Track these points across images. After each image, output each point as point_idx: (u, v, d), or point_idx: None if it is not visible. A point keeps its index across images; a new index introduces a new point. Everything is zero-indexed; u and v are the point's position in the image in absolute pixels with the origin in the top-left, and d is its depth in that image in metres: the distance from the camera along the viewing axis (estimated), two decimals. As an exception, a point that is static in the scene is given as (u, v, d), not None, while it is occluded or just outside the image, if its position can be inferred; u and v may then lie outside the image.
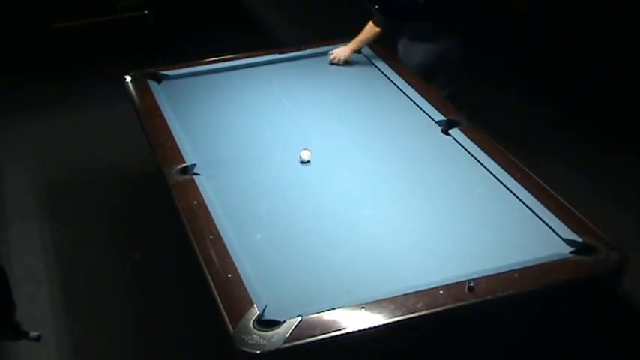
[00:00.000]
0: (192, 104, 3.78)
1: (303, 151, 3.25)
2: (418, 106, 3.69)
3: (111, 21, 5.89)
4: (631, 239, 3.66)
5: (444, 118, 3.54)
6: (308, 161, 3.24)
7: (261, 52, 4.27)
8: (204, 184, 3.08)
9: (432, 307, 2.43)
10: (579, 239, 2.73)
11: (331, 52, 4.19)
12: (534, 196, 2.97)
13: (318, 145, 3.41)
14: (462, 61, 4.21)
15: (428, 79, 3.97)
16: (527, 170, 3.14)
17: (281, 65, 4.18)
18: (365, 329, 2.37)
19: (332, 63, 4.15)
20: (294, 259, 2.72)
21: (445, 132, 3.47)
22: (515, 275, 2.56)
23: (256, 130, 3.56)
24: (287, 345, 2.29)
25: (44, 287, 3.73)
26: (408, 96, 3.78)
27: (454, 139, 3.42)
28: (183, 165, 3.17)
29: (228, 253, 2.66)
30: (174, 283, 3.69)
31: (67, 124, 5.17)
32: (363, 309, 2.42)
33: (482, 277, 2.54)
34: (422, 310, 2.42)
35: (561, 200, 2.95)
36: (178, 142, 3.34)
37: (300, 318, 2.37)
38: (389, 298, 2.45)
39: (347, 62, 4.16)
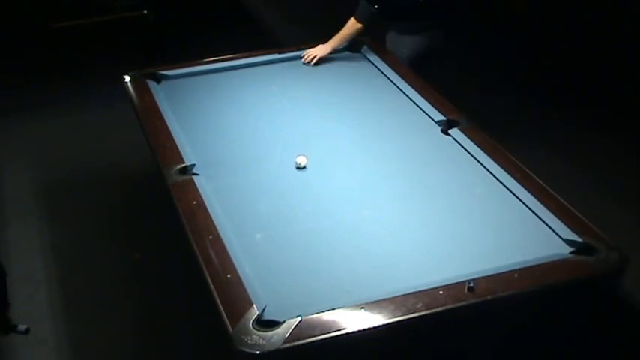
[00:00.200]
0: (191, 104, 3.77)
1: (299, 156, 3.22)
2: (418, 106, 3.68)
3: (110, 21, 5.89)
4: (631, 239, 3.65)
5: (443, 118, 3.54)
6: (304, 167, 3.21)
7: (260, 52, 4.27)
8: (203, 184, 3.07)
9: (432, 308, 2.43)
10: (579, 239, 2.72)
11: (306, 50, 4.16)
12: (534, 196, 2.97)
13: (318, 146, 3.41)
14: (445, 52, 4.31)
15: (417, 70, 4.01)
16: (527, 170, 3.14)
17: (280, 65, 4.17)
18: (365, 329, 2.37)
19: (306, 62, 4.13)
20: (294, 259, 2.72)
21: (445, 132, 3.47)
22: (515, 275, 2.56)
23: (256, 130, 3.56)
24: (286, 345, 2.28)
25: (43, 287, 3.72)
26: (407, 96, 3.78)
27: (454, 139, 3.41)
28: (183, 165, 3.17)
29: (227, 254, 2.66)
30: (173, 284, 3.69)
31: (66, 124, 5.17)
32: (362, 309, 2.41)
33: (482, 277, 2.54)
34: (421, 311, 2.41)
35: (561, 200, 2.95)
36: (177, 142, 3.33)
37: (299, 318, 2.36)
38: (388, 299, 2.45)
39: (347, 62, 4.15)
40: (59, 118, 5.24)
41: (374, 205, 3.02)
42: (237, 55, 4.21)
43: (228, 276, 2.55)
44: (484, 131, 3.45)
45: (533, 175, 3.11)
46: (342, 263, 2.70)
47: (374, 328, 2.37)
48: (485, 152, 3.26)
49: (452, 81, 5.00)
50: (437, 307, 2.43)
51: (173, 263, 3.75)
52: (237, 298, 2.46)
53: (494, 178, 3.13)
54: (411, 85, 3.83)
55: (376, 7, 4.08)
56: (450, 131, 3.46)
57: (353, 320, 2.39)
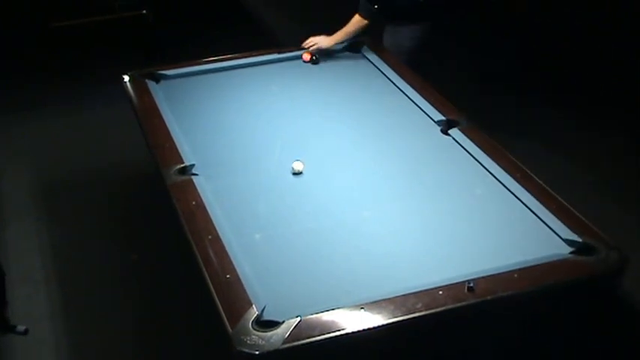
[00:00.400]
0: (190, 104, 3.77)
1: (296, 161, 3.18)
2: (418, 106, 3.68)
3: (109, 20, 5.89)
4: (631, 239, 3.65)
5: (443, 118, 3.53)
6: (301, 172, 3.17)
7: (260, 51, 4.26)
8: (202, 184, 3.07)
9: (432, 308, 2.42)
10: (579, 239, 2.72)
11: (310, 38, 4.17)
12: (534, 197, 2.97)
13: (317, 145, 3.40)
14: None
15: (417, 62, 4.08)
16: (527, 170, 3.13)
17: (280, 65, 4.17)
18: (364, 330, 2.36)
19: (305, 47, 4.14)
20: (293, 259, 2.72)
21: (445, 132, 3.46)
22: (515, 276, 2.55)
23: (255, 129, 3.55)
24: (286, 346, 2.28)
25: (42, 287, 3.72)
26: (407, 96, 3.78)
27: (454, 139, 3.41)
28: (182, 165, 3.16)
29: (226, 254, 2.65)
30: (173, 284, 3.68)
31: (66, 124, 5.16)
32: (362, 309, 2.41)
33: (482, 277, 2.53)
34: (421, 311, 2.41)
35: (561, 200, 2.94)
36: (177, 143, 3.33)
37: (299, 318, 2.36)
38: (388, 299, 2.44)
39: (346, 62, 4.15)
40: (59, 118, 5.23)
41: (373, 205, 3.02)
42: (236, 55, 4.21)
43: (228, 276, 2.54)
44: (484, 131, 3.44)
45: (533, 175, 3.10)
46: (342, 263, 2.69)
47: (374, 328, 2.37)
48: (485, 152, 3.26)
49: (452, 81, 5.01)
50: (437, 307, 2.43)
51: (173, 263, 3.74)
52: (237, 298, 2.45)
53: (494, 178, 3.13)
54: (410, 84, 3.83)
55: (376, 6, 4.08)
56: (449, 131, 3.45)
57: (353, 320, 2.38)
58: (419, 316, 2.40)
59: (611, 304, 3.30)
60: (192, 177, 3.11)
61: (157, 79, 3.96)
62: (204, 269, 2.59)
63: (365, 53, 4.23)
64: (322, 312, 2.40)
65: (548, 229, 2.82)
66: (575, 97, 5.40)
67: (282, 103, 3.78)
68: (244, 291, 2.48)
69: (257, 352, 2.26)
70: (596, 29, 5.96)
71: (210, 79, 4.01)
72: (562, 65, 5.79)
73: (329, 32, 4.22)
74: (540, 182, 3.06)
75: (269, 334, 2.31)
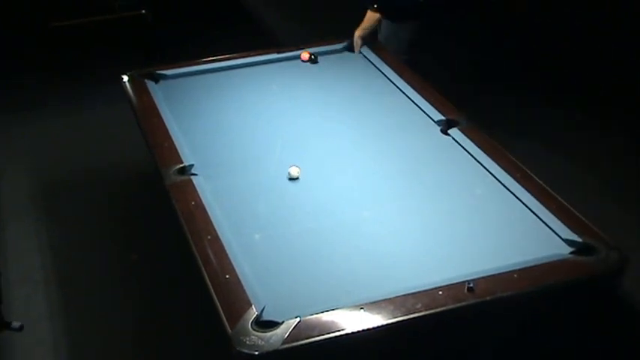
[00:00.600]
0: (190, 104, 3.76)
1: (292, 167, 3.14)
2: (417, 105, 3.68)
3: (109, 20, 5.89)
4: (631, 239, 3.65)
5: (443, 118, 3.53)
6: (297, 178, 3.13)
7: (259, 51, 4.26)
8: (202, 184, 3.06)
9: (431, 308, 2.42)
10: (579, 239, 2.71)
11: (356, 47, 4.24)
12: (534, 197, 2.96)
13: (317, 145, 3.40)
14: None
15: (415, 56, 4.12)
16: (527, 170, 3.13)
17: (280, 65, 4.16)
18: (364, 330, 2.36)
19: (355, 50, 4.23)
20: (293, 259, 2.71)
21: (444, 132, 3.46)
22: (515, 276, 2.55)
23: (255, 129, 3.55)
24: (285, 346, 2.27)
25: (41, 287, 3.72)
26: (407, 96, 3.77)
27: (453, 139, 3.41)
28: (181, 165, 3.16)
29: (226, 254, 2.65)
30: (173, 284, 3.68)
31: (66, 124, 5.16)
32: (361, 310, 2.41)
33: (482, 277, 2.53)
34: (421, 311, 2.41)
35: (561, 200, 2.94)
36: (176, 143, 3.32)
37: (298, 319, 2.35)
38: (388, 299, 2.44)
39: (346, 62, 4.15)
40: (59, 118, 5.23)
41: (373, 205, 3.01)
42: (236, 55, 4.20)
43: (227, 276, 2.54)
44: (484, 131, 3.44)
45: (533, 175, 3.10)
46: (342, 263, 2.69)
47: (373, 328, 2.36)
48: (485, 152, 3.26)
49: (452, 81, 5.00)
50: (436, 307, 2.42)
51: (172, 263, 3.74)
52: (236, 298, 2.45)
53: (494, 178, 3.12)
54: (410, 84, 3.83)
55: (375, 6, 4.08)
56: (449, 131, 3.45)
57: (352, 321, 2.38)
58: (419, 317, 2.39)
59: (611, 304, 3.30)
60: (192, 177, 3.10)
61: (156, 79, 3.95)
62: (203, 269, 2.58)
63: (365, 53, 4.22)
64: (322, 312, 2.39)
65: (548, 229, 2.81)
66: (575, 97, 5.40)
67: (282, 103, 3.78)
68: (244, 291, 2.47)
69: (256, 353, 2.25)
70: (596, 29, 5.95)
71: (210, 79, 4.00)
72: (562, 65, 5.78)
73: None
74: (540, 182, 3.06)
75: (268, 334, 2.30)
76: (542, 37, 6.19)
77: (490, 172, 3.15)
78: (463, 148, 3.33)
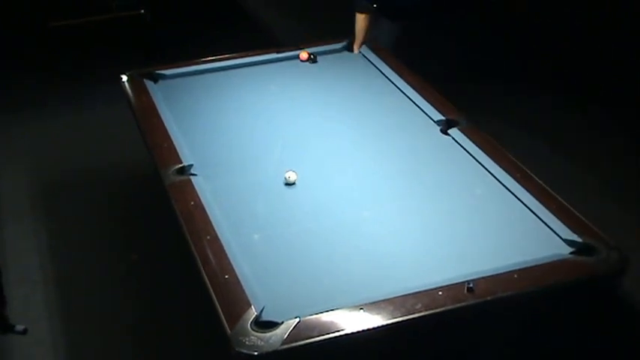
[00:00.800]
0: (189, 104, 3.76)
1: (289, 172, 3.10)
2: (417, 105, 3.67)
3: (107, 20, 5.89)
4: (631, 239, 3.64)
5: (443, 118, 3.52)
6: (293, 183, 3.10)
7: (259, 51, 4.26)
8: (201, 184, 3.06)
9: (431, 308, 2.41)
10: (579, 240, 2.71)
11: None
12: (534, 197, 2.96)
13: (317, 145, 3.39)
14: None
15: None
16: (527, 170, 3.12)
17: (279, 65, 4.16)
18: (363, 330, 2.35)
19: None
20: (293, 259, 2.70)
21: (444, 132, 3.45)
22: (515, 276, 2.54)
23: (254, 129, 3.55)
24: (285, 347, 2.27)
25: (40, 288, 3.71)
26: (407, 96, 3.77)
27: (453, 138, 3.40)
28: (180, 165, 3.15)
29: (225, 254, 2.64)
30: (173, 284, 3.68)
31: (66, 124, 5.16)
32: (361, 310, 2.40)
33: (482, 277, 2.52)
34: (421, 312, 2.40)
35: (561, 200, 2.94)
36: (175, 143, 3.32)
37: (298, 319, 2.35)
38: (387, 299, 2.43)
39: (346, 62, 4.15)
40: (59, 118, 5.23)
41: (373, 205, 3.01)
42: (235, 55, 4.20)
43: (226, 277, 2.53)
44: (483, 131, 3.44)
45: (533, 175, 3.10)
46: (341, 264, 2.68)
47: (373, 329, 2.36)
48: (485, 152, 3.25)
49: (451, 81, 5.00)
50: (436, 308, 2.42)
51: (172, 263, 3.74)
52: (235, 299, 2.45)
53: (494, 179, 3.12)
54: (410, 84, 3.82)
55: (375, 5, 4.07)
56: (449, 131, 3.44)
57: (352, 321, 2.37)
58: (418, 317, 2.39)
59: (611, 304, 3.30)
60: (191, 177, 3.10)
61: (156, 78, 3.95)
62: (202, 270, 2.58)
63: (364, 53, 4.22)
64: (321, 313, 2.38)
65: (548, 229, 2.81)
66: (575, 97, 5.39)
67: (281, 102, 3.77)
68: (243, 291, 2.47)
69: (256, 353, 2.25)
70: (596, 29, 5.95)
71: (209, 79, 4.00)
72: (562, 65, 5.78)
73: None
74: (540, 182, 3.05)
75: (268, 334, 2.30)
76: (542, 37, 6.19)
77: (490, 172, 3.15)
78: (463, 148, 3.33)
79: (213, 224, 2.79)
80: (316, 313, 2.38)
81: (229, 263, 2.59)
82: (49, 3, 5.87)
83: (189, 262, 2.69)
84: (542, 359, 2.88)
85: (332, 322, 2.36)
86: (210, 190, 3.04)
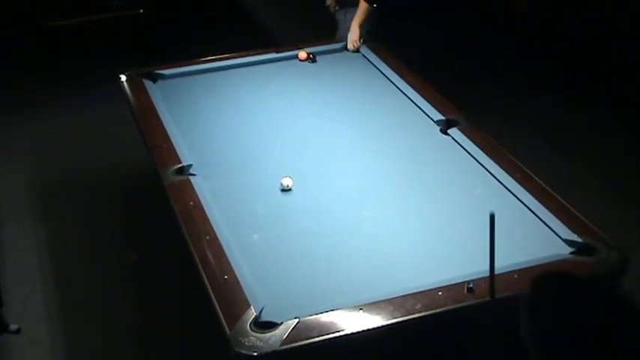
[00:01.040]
0: (188, 104, 3.75)
1: (285, 177, 3.08)
2: (417, 105, 3.67)
3: (107, 20, 5.88)
4: (631, 239, 3.64)
5: (442, 118, 3.52)
6: (290, 189, 3.07)
7: (258, 51, 4.26)
8: (200, 184, 3.05)
9: (431, 309, 2.41)
10: (579, 240, 2.71)
11: (349, 45, 4.22)
12: (534, 197, 2.95)
13: (317, 145, 3.39)
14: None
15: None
16: (527, 170, 3.12)
17: (278, 64, 4.15)
18: (363, 331, 2.35)
19: (353, 50, 4.23)
20: (292, 260, 2.70)
21: (444, 132, 3.45)
22: (515, 276, 2.54)
23: (253, 129, 3.54)
24: (284, 347, 2.27)
25: (39, 288, 3.71)
26: (406, 96, 3.76)
27: (453, 138, 3.40)
28: (179, 165, 3.15)
29: (224, 254, 2.64)
30: (172, 284, 3.67)
31: (66, 124, 5.16)
32: (361, 310, 2.40)
33: (482, 278, 2.51)
34: (421, 312, 2.40)
35: (561, 200, 2.93)
36: (174, 143, 3.32)
37: (297, 320, 2.35)
38: (387, 300, 2.43)
39: (345, 62, 4.14)
40: (59, 118, 5.23)
41: (373, 205, 3.00)
42: (234, 55, 4.20)
43: (226, 277, 2.53)
44: (483, 131, 3.43)
45: (533, 175, 3.09)
46: (341, 264, 2.68)
47: (373, 329, 2.36)
48: (484, 152, 3.25)
49: (452, 81, 5.00)
50: (436, 308, 2.41)
51: (172, 263, 3.73)
52: (235, 299, 2.44)
53: (494, 178, 3.11)
54: (410, 84, 3.82)
55: (375, 5, 4.07)
56: (449, 131, 3.44)
57: (351, 322, 2.37)
58: (418, 317, 2.38)
59: (611, 304, 3.28)
60: (190, 177, 3.10)
61: (155, 78, 3.95)
62: (201, 270, 2.58)
63: (364, 53, 4.21)
64: (321, 313, 2.38)
65: (548, 229, 2.80)
66: (575, 97, 5.39)
67: (281, 102, 3.77)
68: (242, 292, 2.47)
69: (255, 354, 2.24)
70: (596, 29, 5.94)
71: (208, 79, 3.99)
72: (562, 65, 5.77)
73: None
74: (540, 182, 3.05)
75: (267, 335, 2.29)
76: (542, 37, 6.18)
77: (490, 172, 3.14)
78: (463, 148, 3.32)
79: (213, 224, 2.79)
80: (316, 314, 2.38)
81: (228, 263, 2.59)
82: (48, 3, 5.86)
83: (188, 263, 2.68)
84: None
85: (331, 323, 2.36)
86: (210, 190, 3.03)
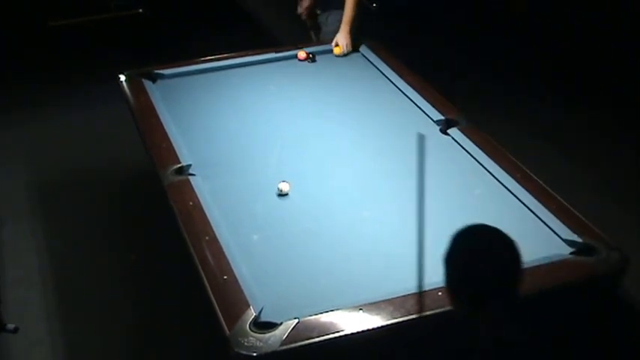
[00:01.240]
0: (187, 104, 3.75)
1: (282, 182, 3.06)
2: (417, 105, 3.67)
3: (106, 19, 5.89)
4: (631, 239, 3.63)
5: (442, 118, 3.52)
6: (287, 194, 3.05)
7: (258, 50, 4.25)
8: (200, 184, 3.05)
9: (431, 309, 2.40)
10: (579, 240, 2.70)
11: (335, 51, 4.17)
12: (534, 197, 2.95)
13: (316, 145, 3.39)
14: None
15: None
16: (527, 170, 3.12)
17: (278, 64, 4.15)
18: (363, 331, 2.35)
19: (340, 55, 4.18)
20: (292, 260, 2.70)
21: (444, 131, 3.45)
22: (515, 276, 2.53)
23: (253, 129, 3.54)
24: (284, 347, 2.27)
25: (39, 288, 3.70)
26: (406, 95, 3.76)
27: (453, 138, 3.39)
28: (179, 165, 3.15)
29: (224, 255, 2.64)
30: (172, 284, 3.67)
31: (66, 124, 5.15)
32: (360, 311, 2.40)
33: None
34: (421, 312, 2.39)
35: (561, 200, 2.93)
36: (174, 143, 3.31)
37: (297, 320, 2.35)
38: (387, 300, 2.43)
39: (345, 62, 4.14)
40: (59, 118, 5.23)
41: (373, 205, 3.00)
42: (234, 54, 4.19)
43: (225, 277, 2.53)
44: (483, 131, 3.43)
45: (533, 175, 3.09)
46: (341, 264, 2.68)
47: (372, 329, 2.36)
48: (484, 152, 3.24)
49: (452, 81, 5.00)
50: (436, 308, 2.41)
51: (172, 264, 3.72)
52: (234, 299, 2.44)
53: (493, 178, 3.11)
54: (410, 84, 3.82)
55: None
56: (449, 131, 3.44)
57: (351, 322, 2.37)
58: (418, 317, 2.38)
59: (611, 304, 3.28)
60: (189, 177, 3.09)
61: (154, 78, 3.94)
62: (201, 270, 2.58)
63: (364, 53, 4.21)
64: (320, 313, 2.38)
65: (548, 229, 2.80)
66: (575, 97, 5.39)
67: (280, 102, 3.77)
68: (242, 292, 2.46)
69: (255, 354, 2.24)
70: (596, 29, 5.94)
71: (208, 79, 3.99)
72: (562, 65, 5.77)
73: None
74: (540, 182, 3.05)
75: (267, 335, 2.29)
76: (542, 37, 6.18)
77: (490, 172, 3.14)
78: (463, 147, 3.32)
79: (212, 225, 2.79)
80: (315, 314, 2.38)
81: (228, 264, 2.59)
82: (48, 3, 5.87)
83: (188, 263, 2.68)
84: (542, 359, 2.86)
85: (331, 323, 2.36)
86: (209, 190, 3.03)
